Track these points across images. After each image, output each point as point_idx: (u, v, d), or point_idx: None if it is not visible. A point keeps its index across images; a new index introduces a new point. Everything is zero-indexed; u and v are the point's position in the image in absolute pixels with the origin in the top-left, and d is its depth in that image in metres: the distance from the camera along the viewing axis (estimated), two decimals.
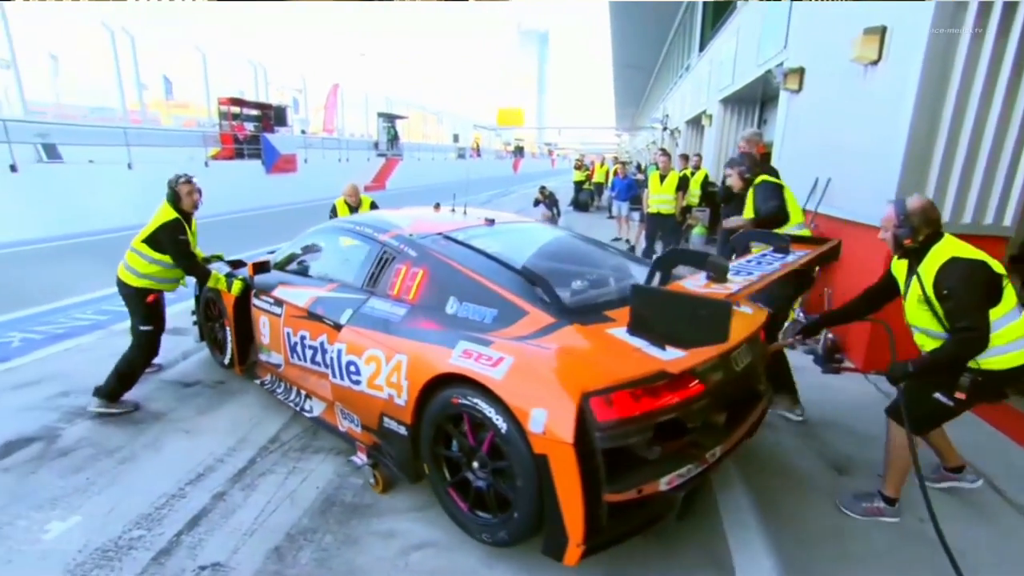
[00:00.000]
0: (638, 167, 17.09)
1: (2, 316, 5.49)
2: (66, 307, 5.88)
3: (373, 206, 5.99)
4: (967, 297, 2.22)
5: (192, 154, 16.12)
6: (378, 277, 2.95)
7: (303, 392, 3.26)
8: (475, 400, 2.16)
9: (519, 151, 55.65)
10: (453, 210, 3.67)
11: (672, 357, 2.05)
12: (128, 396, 3.59)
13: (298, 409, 3.25)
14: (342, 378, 2.78)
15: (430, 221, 3.33)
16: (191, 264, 3.60)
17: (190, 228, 3.67)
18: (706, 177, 9.14)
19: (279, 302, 3.37)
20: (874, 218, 2.62)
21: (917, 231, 2.35)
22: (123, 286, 3.56)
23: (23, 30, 15.14)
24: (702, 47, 14.05)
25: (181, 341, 4.75)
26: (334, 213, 5.97)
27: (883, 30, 4.24)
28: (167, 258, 3.55)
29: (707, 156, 11.09)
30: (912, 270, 2.41)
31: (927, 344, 2.46)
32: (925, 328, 2.43)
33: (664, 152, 8.97)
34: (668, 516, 2.14)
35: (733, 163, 4.08)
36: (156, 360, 4.06)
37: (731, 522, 2.53)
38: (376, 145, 28.49)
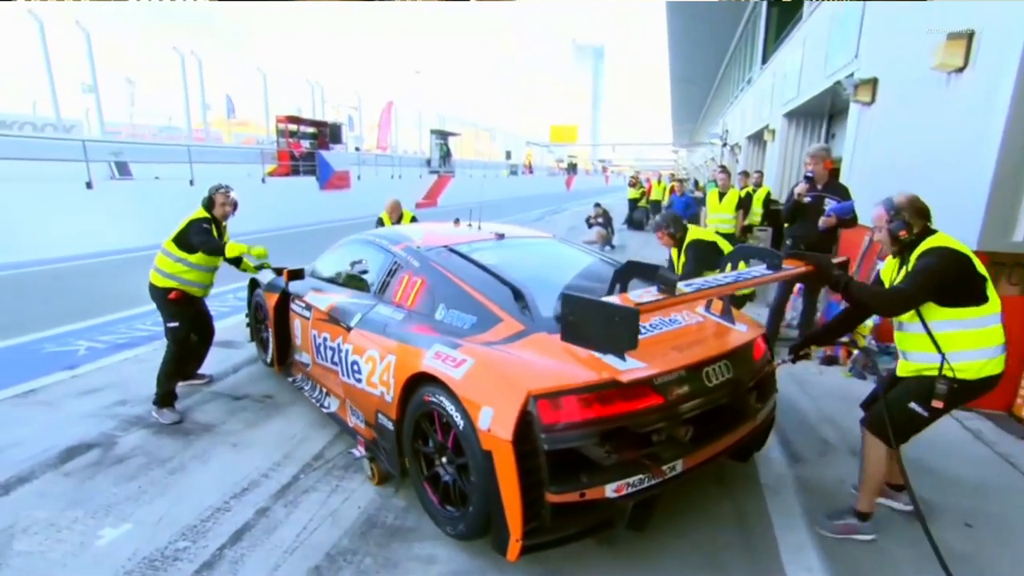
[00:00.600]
0: (695, 184, 16.77)
1: (72, 325, 5.90)
2: (128, 317, 6.26)
3: (414, 220, 6.25)
4: (925, 271, 2.28)
5: (250, 171, 17.04)
6: (387, 285, 3.28)
7: (325, 390, 3.59)
8: (441, 398, 2.37)
9: (572, 168, 55.80)
10: (471, 225, 3.95)
11: (631, 367, 2.18)
12: (179, 406, 3.80)
13: (319, 405, 3.57)
14: (348, 376, 3.11)
15: (441, 235, 3.65)
16: (215, 247, 3.75)
17: (219, 232, 3.90)
18: (768, 195, 8.86)
19: (309, 306, 3.75)
20: (958, 237, 2.47)
21: (910, 224, 2.40)
22: (152, 289, 3.82)
23: (102, 54, 16.48)
24: (765, 59, 13.75)
25: (232, 354, 4.94)
26: (380, 226, 6.26)
27: (970, 35, 4.01)
28: (192, 257, 3.77)
29: (769, 173, 10.77)
30: (903, 263, 2.45)
31: (905, 342, 2.48)
32: (901, 323, 2.47)
33: (723, 169, 8.77)
34: (618, 524, 2.23)
35: (659, 226, 4.18)
36: (206, 371, 4.30)
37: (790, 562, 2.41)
38: (428, 162, 29.29)
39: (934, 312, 2.34)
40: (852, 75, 6.19)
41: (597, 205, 13.05)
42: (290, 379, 4.07)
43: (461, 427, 2.26)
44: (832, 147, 9.41)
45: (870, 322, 4.71)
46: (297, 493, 2.90)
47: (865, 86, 5.75)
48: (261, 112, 21.67)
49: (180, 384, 3.95)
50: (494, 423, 2.12)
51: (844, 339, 4.64)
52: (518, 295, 2.73)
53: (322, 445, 3.41)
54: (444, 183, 27.76)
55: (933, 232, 2.41)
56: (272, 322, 4.19)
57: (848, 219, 4.65)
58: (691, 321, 2.79)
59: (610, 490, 2.16)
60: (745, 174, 9.16)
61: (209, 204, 3.86)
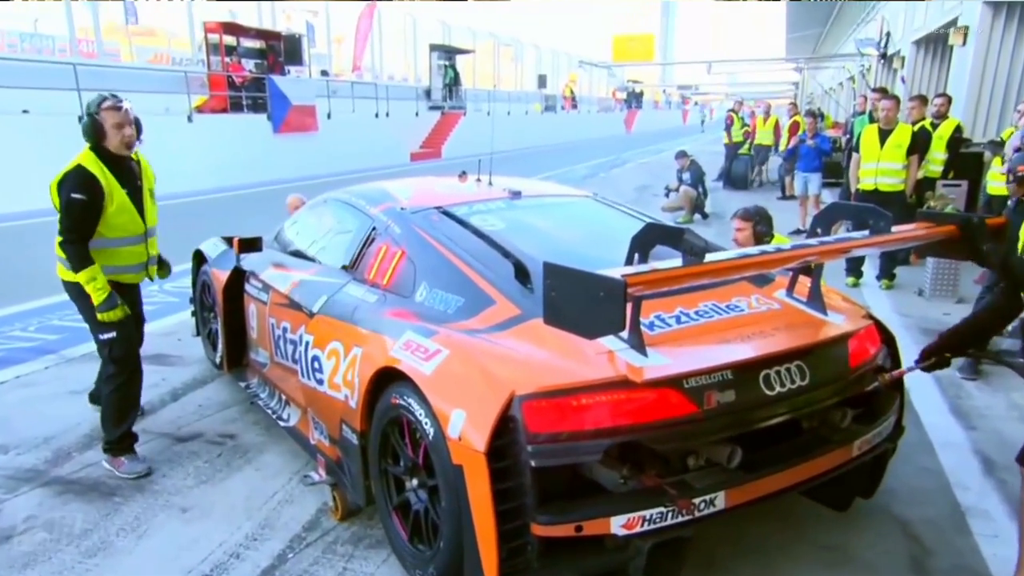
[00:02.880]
0: (820, 116, 16.39)
1: None
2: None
3: None
4: None
5: (170, 103, 17.13)
6: (361, 258, 3.57)
7: (284, 397, 3.88)
8: (409, 400, 2.58)
9: (634, 99, 55.42)
10: (479, 180, 4.22)
11: (653, 363, 2.33)
12: (92, 453, 3.74)
13: (275, 418, 3.86)
14: (309, 376, 3.39)
15: (435, 193, 3.96)
16: (74, 248, 3.53)
17: (124, 184, 3.64)
18: (957, 130, 8.58)
19: (266, 287, 4.03)
20: None
21: None
22: (64, 285, 3.74)
23: None
24: None
25: (169, 374, 4.92)
26: None
27: None
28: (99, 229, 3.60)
29: (958, 98, 10.42)
30: None
31: None
32: None
33: (886, 94, 8.52)
34: (630, 571, 2.37)
35: (746, 215, 4.56)
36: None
37: None
38: (428, 93, 29.31)
39: None
40: None
41: (683, 154, 12.93)
42: (243, 384, 4.37)
43: (431, 436, 2.45)
44: None
45: None
46: None
47: None
48: (177, 17, 21.67)
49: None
50: (466, 429, 2.29)
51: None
52: (521, 271, 2.91)
53: (316, 507, 3.36)
54: (451, 124, 27.83)
55: None
56: (221, 308, 4.43)
57: None
58: (761, 308, 2.93)
59: (617, 524, 2.27)
60: (921, 100, 8.81)
61: (95, 133, 3.56)
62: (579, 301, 2.05)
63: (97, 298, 3.52)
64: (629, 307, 2.06)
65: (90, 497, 3.45)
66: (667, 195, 12.95)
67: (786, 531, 3.13)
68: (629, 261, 2.67)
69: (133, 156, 3.75)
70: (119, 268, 3.75)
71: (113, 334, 3.66)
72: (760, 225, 4.49)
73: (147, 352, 3.84)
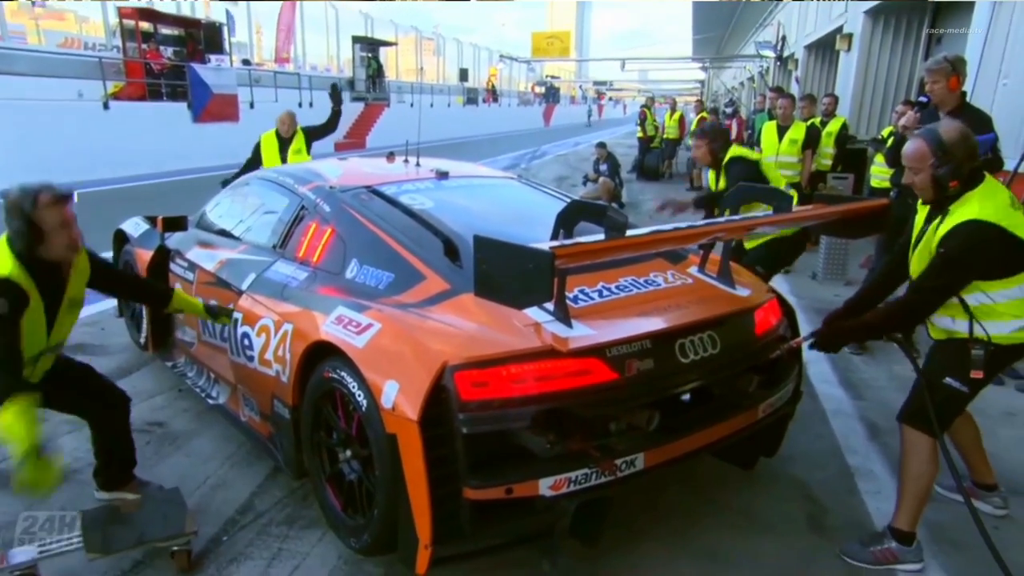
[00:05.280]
0: (734, 111, 16.92)
1: None
2: None
3: (308, 144, 6.76)
4: (960, 264, 2.56)
5: (84, 88, 16.26)
6: (290, 236, 3.56)
7: (212, 375, 3.88)
8: (343, 373, 2.59)
9: (552, 94, 55.75)
10: (406, 161, 4.24)
11: (577, 334, 2.39)
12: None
13: (204, 396, 3.87)
14: (239, 354, 3.34)
15: (363, 173, 3.97)
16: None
17: (44, 294, 2.67)
18: (843, 128, 8.96)
19: (192, 266, 4.02)
20: None
21: (960, 167, 2.56)
22: None
23: None
24: None
25: (93, 364, 4.68)
26: (256, 153, 6.70)
27: None
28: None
29: (845, 98, 10.92)
30: (935, 214, 2.69)
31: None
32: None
33: (782, 93, 8.84)
34: (557, 530, 2.47)
35: (702, 134, 4.72)
36: None
37: None
38: (351, 84, 28.72)
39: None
40: None
41: (601, 145, 13.15)
42: (170, 364, 4.35)
43: (364, 408, 2.47)
44: (936, 54, 9.55)
45: None
46: (221, 564, 2.81)
47: None
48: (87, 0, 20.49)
49: (102, 496, 3.23)
50: (399, 400, 2.31)
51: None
52: (450, 248, 2.94)
53: (249, 491, 3.32)
54: (375, 114, 27.37)
55: (982, 177, 2.64)
56: None
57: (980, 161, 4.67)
58: (676, 283, 3.03)
59: (545, 486, 2.33)
60: (811, 99, 9.16)
61: (31, 238, 2.54)
62: (509, 273, 2.08)
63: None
64: (556, 281, 2.10)
65: (10, 487, 3.27)
66: (585, 184, 13.09)
67: (695, 495, 3.27)
68: (555, 237, 2.72)
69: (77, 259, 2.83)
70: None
71: None
72: (715, 143, 4.61)
73: (69, 342, 3.26)
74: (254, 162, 6.58)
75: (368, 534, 2.56)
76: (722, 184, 4.58)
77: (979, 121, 4.81)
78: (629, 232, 2.42)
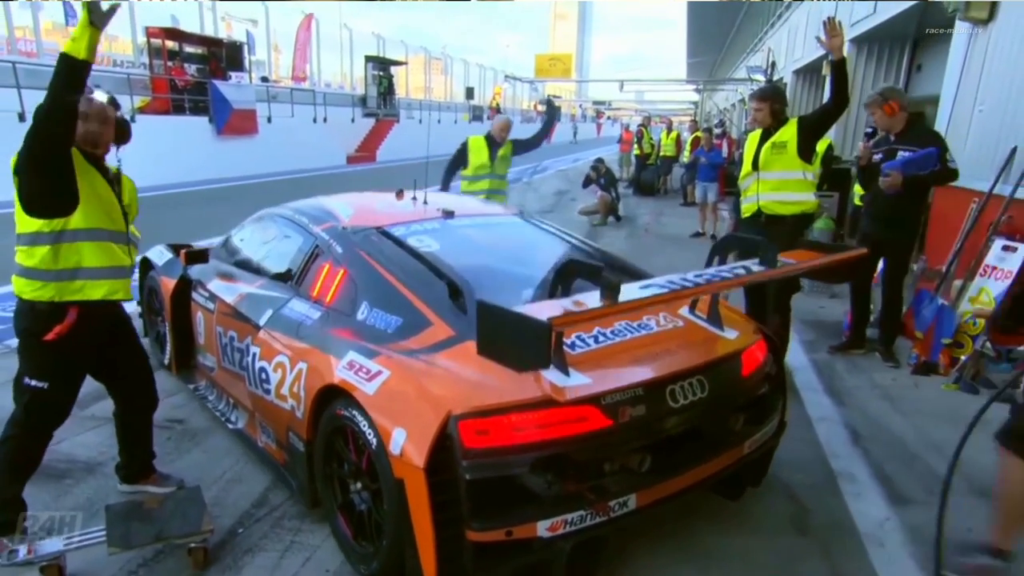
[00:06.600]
0: (723, 131, 16.97)
1: None
2: None
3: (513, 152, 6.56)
4: None
5: None
6: (305, 275, 3.53)
7: (231, 401, 3.85)
8: (354, 412, 2.59)
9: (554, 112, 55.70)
10: (415, 198, 4.16)
11: (574, 384, 2.32)
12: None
13: (223, 420, 3.83)
14: (256, 386, 3.34)
15: (374, 212, 3.90)
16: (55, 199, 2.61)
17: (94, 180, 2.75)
18: (829, 148, 8.98)
19: (213, 296, 3.98)
20: None
21: None
22: (18, 313, 2.80)
23: None
24: None
25: None
26: (463, 152, 6.36)
27: None
28: (76, 219, 2.66)
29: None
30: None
31: None
32: None
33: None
34: (555, 570, 2.45)
35: (766, 95, 4.58)
36: None
37: None
38: (364, 100, 28.81)
39: None
40: None
41: (599, 161, 13.12)
42: (192, 386, 4.33)
43: (374, 446, 2.48)
44: (921, 82, 9.56)
45: (981, 320, 4.83)
46: (237, 554, 2.82)
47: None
48: (117, 20, 20.73)
49: (125, 488, 3.26)
50: (406, 447, 2.33)
51: (947, 340, 4.87)
52: (455, 292, 2.91)
53: (264, 486, 3.34)
54: (385, 130, 27.45)
55: None
56: (169, 314, 4.41)
57: (927, 174, 4.71)
58: (667, 326, 2.99)
59: (543, 528, 2.35)
60: None
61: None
62: (509, 338, 2.09)
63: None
64: (553, 338, 2.10)
65: (40, 480, 3.26)
66: (586, 187, 12.97)
67: (684, 497, 3.26)
68: (552, 293, 2.80)
69: (111, 169, 2.92)
70: (94, 273, 2.74)
71: (44, 385, 2.76)
72: (777, 103, 4.52)
73: None
74: (459, 160, 6.41)
75: (377, 562, 2.58)
76: (786, 135, 4.46)
77: (927, 138, 4.92)
78: (624, 287, 2.42)
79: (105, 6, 2.48)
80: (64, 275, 2.67)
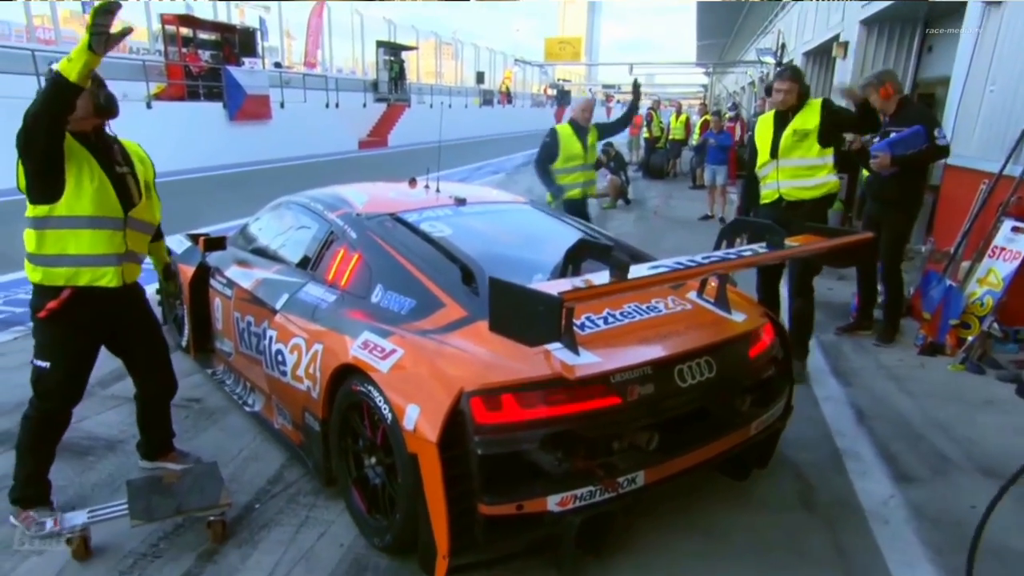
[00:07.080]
0: (736, 115, 16.81)
1: None
2: None
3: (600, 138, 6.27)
4: None
5: (128, 90, 16.27)
6: (320, 260, 3.57)
7: (248, 384, 3.90)
8: (369, 387, 2.63)
9: (563, 96, 55.38)
10: (427, 186, 4.22)
11: (584, 362, 2.40)
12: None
13: (241, 403, 3.88)
14: (273, 368, 3.39)
15: (387, 200, 3.96)
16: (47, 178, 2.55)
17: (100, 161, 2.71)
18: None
19: (230, 283, 4.04)
20: None
21: None
22: (35, 294, 2.79)
23: None
24: None
25: None
26: (552, 147, 5.80)
27: None
28: (60, 207, 2.60)
29: (840, 102, 10.79)
30: None
31: None
32: None
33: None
34: (564, 543, 2.47)
35: (795, 75, 4.45)
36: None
37: None
38: (375, 85, 28.70)
39: None
40: None
41: (609, 144, 12.98)
42: (210, 371, 4.36)
43: (389, 420, 2.51)
44: (932, 63, 9.42)
45: (990, 298, 4.79)
46: (253, 529, 2.86)
47: None
48: (132, 7, 20.67)
49: (145, 464, 3.32)
50: (420, 423, 2.35)
51: (954, 320, 4.84)
52: (467, 275, 2.95)
53: (279, 463, 3.38)
54: (396, 115, 27.36)
55: None
56: (188, 300, 4.46)
57: (915, 153, 4.71)
58: (676, 309, 3.02)
59: (553, 503, 2.39)
60: None
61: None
62: (521, 314, 2.12)
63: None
64: (564, 315, 2.12)
65: (64, 456, 3.31)
66: (597, 168, 12.82)
67: (692, 477, 3.27)
68: (563, 273, 2.85)
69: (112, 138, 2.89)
70: (90, 260, 2.70)
71: (48, 364, 2.76)
72: (804, 84, 4.40)
73: None
74: (551, 154, 5.78)
75: (391, 535, 2.63)
76: (809, 123, 4.30)
77: (915, 116, 4.92)
78: (633, 267, 2.46)
79: (114, 29, 2.38)
80: (48, 260, 2.67)
